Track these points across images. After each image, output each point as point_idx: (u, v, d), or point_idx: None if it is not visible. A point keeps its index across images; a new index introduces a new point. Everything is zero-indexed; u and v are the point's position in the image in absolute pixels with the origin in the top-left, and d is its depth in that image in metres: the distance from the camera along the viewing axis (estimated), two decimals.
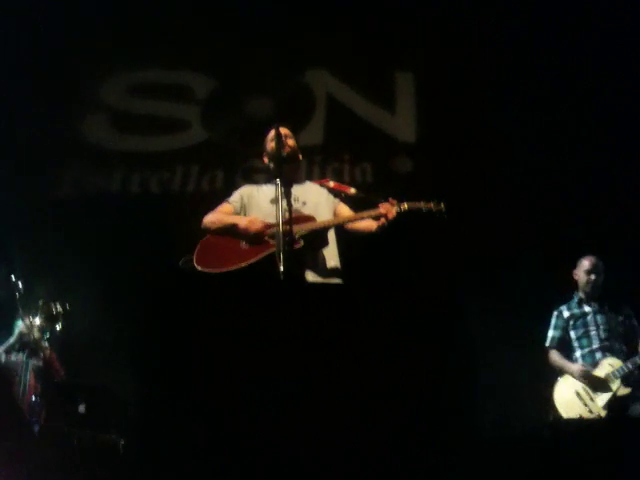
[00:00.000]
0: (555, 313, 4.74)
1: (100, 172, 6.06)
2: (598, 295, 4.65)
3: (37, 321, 4.59)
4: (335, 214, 3.57)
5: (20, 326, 4.59)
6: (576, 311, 4.66)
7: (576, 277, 4.73)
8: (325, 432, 2.11)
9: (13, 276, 4.56)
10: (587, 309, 4.64)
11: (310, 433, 2.11)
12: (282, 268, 2.88)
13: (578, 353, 4.57)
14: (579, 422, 4.13)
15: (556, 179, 5.46)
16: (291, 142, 3.56)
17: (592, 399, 4.34)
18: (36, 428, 4.09)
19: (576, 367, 4.47)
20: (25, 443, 2.86)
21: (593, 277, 4.63)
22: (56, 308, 4.64)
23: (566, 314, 4.68)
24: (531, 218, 5.38)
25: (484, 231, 5.21)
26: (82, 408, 4.15)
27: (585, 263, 4.68)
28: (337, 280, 3.38)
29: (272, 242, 3.21)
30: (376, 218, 3.37)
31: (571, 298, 4.74)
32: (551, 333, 4.71)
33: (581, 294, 4.70)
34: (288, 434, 2.11)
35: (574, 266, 4.77)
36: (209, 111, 6.18)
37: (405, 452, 2.11)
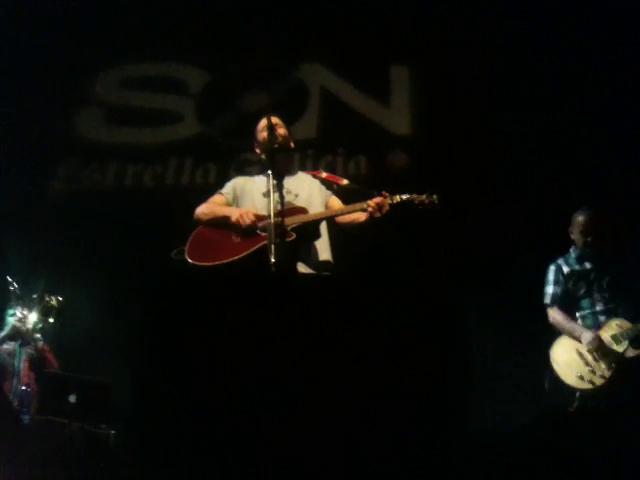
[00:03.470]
0: (552, 267, 4.22)
1: (94, 166, 6.05)
2: (599, 252, 4.14)
3: (32, 314, 4.61)
4: (327, 206, 3.57)
5: (14, 319, 4.60)
6: (576, 267, 4.16)
7: (573, 235, 4.23)
8: (318, 423, 2.11)
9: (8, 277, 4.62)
10: (588, 266, 4.14)
11: (303, 424, 2.11)
12: (273, 260, 2.88)
13: (578, 314, 4.12)
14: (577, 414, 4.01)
15: (554, 174, 5.43)
16: (282, 131, 3.54)
17: (596, 359, 3.90)
18: (26, 419, 4.10)
19: (589, 335, 3.93)
20: (15, 436, 2.85)
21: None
22: (51, 301, 4.65)
23: (565, 269, 4.18)
24: (529, 213, 5.32)
25: (479, 226, 5.20)
26: (72, 398, 4.15)
27: (580, 218, 4.17)
28: (329, 272, 3.37)
29: (264, 234, 3.20)
30: None
31: (567, 252, 4.25)
32: (551, 289, 4.19)
33: (579, 251, 4.19)
34: (282, 428, 2.10)
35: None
36: (202, 104, 6.18)
37: (404, 451, 2.11)
